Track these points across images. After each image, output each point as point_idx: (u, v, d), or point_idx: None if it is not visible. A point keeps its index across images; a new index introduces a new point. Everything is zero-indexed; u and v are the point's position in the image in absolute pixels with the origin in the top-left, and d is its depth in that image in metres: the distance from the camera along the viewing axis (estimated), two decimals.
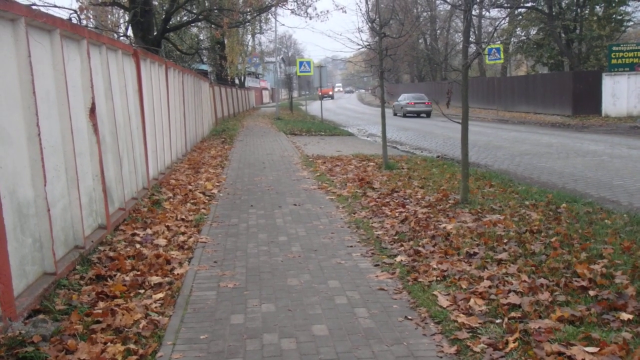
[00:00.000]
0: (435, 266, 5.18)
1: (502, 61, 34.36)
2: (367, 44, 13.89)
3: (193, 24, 25.91)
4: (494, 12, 41.64)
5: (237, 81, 45.77)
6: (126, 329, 3.93)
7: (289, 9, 22.47)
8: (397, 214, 7.35)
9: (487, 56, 30.51)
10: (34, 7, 5.38)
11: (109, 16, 19.93)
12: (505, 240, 5.88)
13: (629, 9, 33.82)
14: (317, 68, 29.69)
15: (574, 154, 14.21)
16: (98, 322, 3.99)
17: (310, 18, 22.65)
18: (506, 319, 3.97)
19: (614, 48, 27.57)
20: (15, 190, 4.24)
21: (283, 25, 49.80)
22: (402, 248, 5.91)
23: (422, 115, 34.35)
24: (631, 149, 15.07)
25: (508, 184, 9.36)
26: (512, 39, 40.18)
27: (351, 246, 6.13)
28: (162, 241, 6.23)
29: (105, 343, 3.67)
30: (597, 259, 5.13)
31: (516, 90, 34.91)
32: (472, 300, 4.31)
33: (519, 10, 35.01)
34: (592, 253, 5.33)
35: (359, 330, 3.98)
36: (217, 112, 27.90)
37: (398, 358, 3.56)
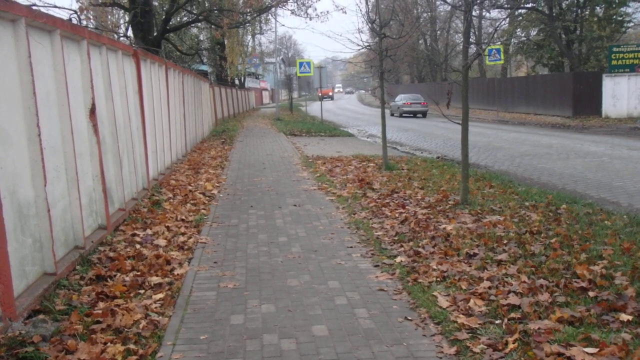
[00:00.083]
0: (435, 267, 5.18)
1: (502, 62, 34.41)
2: (367, 44, 13.90)
3: (193, 25, 25.94)
4: (494, 13, 41.63)
5: (237, 82, 45.78)
6: (126, 329, 3.93)
7: (289, 10, 22.48)
8: (397, 215, 7.36)
9: (487, 57, 30.57)
10: (34, 7, 5.38)
11: (109, 17, 19.95)
12: (505, 241, 5.88)
13: (629, 10, 33.86)
14: (317, 69, 29.70)
15: (574, 155, 14.21)
16: (98, 322, 4.00)
17: (311, 19, 22.67)
18: (506, 320, 3.97)
19: (614, 49, 27.57)
20: (16, 190, 4.24)
21: (283, 25, 50.06)
22: (402, 249, 5.91)
23: (418, 115, 34.91)
24: (631, 150, 15.07)
25: (508, 185, 9.36)
26: (512, 40, 40.19)
27: (351, 247, 6.13)
28: (162, 242, 6.23)
29: (105, 343, 3.68)
30: (597, 260, 5.13)
31: (516, 91, 34.93)
32: (471, 301, 4.32)
33: (519, 11, 35.02)
34: (592, 254, 5.34)
35: (358, 330, 3.98)
36: (217, 113, 27.90)
37: (398, 358, 3.56)
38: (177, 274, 5.19)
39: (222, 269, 5.42)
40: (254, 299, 4.63)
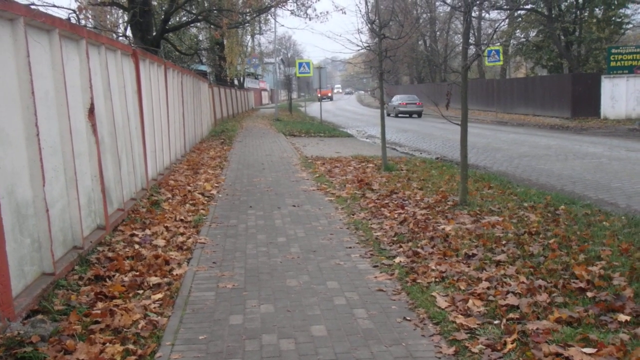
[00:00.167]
0: (434, 267, 5.18)
1: (501, 63, 34.45)
2: (367, 45, 13.91)
3: (192, 25, 25.94)
4: (494, 14, 41.69)
5: (236, 82, 45.77)
6: (125, 330, 3.93)
7: (288, 10, 22.49)
8: (396, 215, 7.36)
9: (486, 58, 30.60)
10: (32, 6, 5.38)
11: (108, 16, 19.94)
12: (503, 242, 5.88)
13: (628, 12, 33.92)
14: (316, 69, 29.70)
15: (573, 156, 14.22)
16: (97, 322, 3.99)
17: (310, 19, 22.71)
18: (504, 320, 3.97)
19: (613, 50, 27.61)
20: (14, 190, 4.24)
21: (282, 26, 50.13)
22: (401, 249, 5.91)
23: (413, 115, 35.67)
24: (629, 151, 15.09)
25: (507, 186, 9.37)
26: (511, 41, 40.25)
27: (350, 247, 6.13)
28: (161, 242, 6.23)
29: (104, 343, 3.67)
30: (595, 261, 5.14)
31: (515, 92, 34.96)
32: (470, 301, 4.32)
33: (519, 12, 35.07)
34: (590, 255, 5.34)
35: (357, 331, 3.99)
36: (216, 113, 27.89)
37: (397, 359, 3.56)
38: (176, 274, 5.18)
39: (221, 269, 5.42)
40: (253, 299, 4.63)
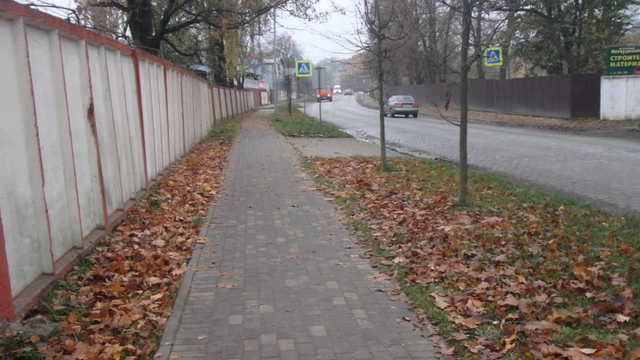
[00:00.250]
0: (433, 268, 5.18)
1: (500, 64, 34.44)
2: (366, 45, 13.91)
3: (192, 25, 25.95)
4: (493, 15, 41.72)
5: (235, 82, 45.78)
6: (124, 330, 3.93)
7: (288, 10, 22.52)
8: (395, 216, 7.36)
9: (486, 58, 30.59)
10: (32, 7, 5.38)
11: (108, 16, 19.95)
12: (503, 242, 5.88)
13: (627, 12, 33.94)
14: (315, 69, 29.68)
15: (572, 157, 14.23)
16: (96, 322, 3.99)
17: (309, 19, 22.71)
18: (503, 321, 3.97)
19: (613, 51, 27.62)
20: (14, 190, 4.24)
21: (282, 26, 50.15)
22: (400, 250, 5.91)
23: (409, 115, 36.57)
24: (629, 152, 15.11)
25: (506, 187, 9.37)
26: (511, 42, 40.28)
27: (349, 247, 6.13)
28: (160, 242, 6.23)
29: (103, 343, 3.67)
30: (595, 261, 5.14)
31: (515, 93, 34.98)
32: (469, 302, 4.32)
33: (518, 12, 35.09)
34: (589, 255, 5.34)
35: (357, 331, 3.99)
36: (216, 114, 27.89)
37: (396, 359, 3.57)
38: (176, 275, 5.18)
39: (220, 270, 5.42)
40: (253, 299, 4.63)
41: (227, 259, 5.80)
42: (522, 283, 4.62)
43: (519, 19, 36.90)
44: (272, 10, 23.55)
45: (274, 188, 10.03)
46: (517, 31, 38.62)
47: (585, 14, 32.92)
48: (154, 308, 4.36)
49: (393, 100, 37.74)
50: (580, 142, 17.95)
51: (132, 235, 6.46)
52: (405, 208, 7.79)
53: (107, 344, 3.66)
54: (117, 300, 4.44)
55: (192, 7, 21.78)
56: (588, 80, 28.15)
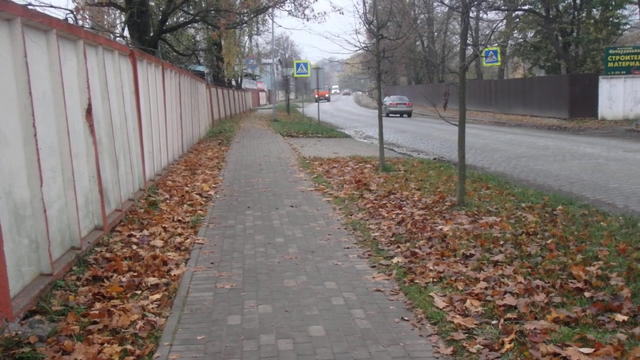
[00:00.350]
0: (431, 267, 5.19)
1: (499, 64, 34.44)
2: (365, 45, 13.92)
3: (190, 25, 25.93)
4: (492, 15, 41.75)
5: (233, 83, 45.76)
6: (123, 330, 3.92)
7: (286, 10, 22.46)
8: (393, 216, 7.36)
9: (484, 59, 30.59)
10: (30, 7, 5.38)
11: (105, 17, 19.93)
12: (501, 242, 5.89)
13: (625, 12, 33.99)
14: (314, 70, 29.72)
15: (570, 157, 14.25)
16: (95, 322, 3.99)
17: (308, 19, 22.73)
18: (502, 320, 3.98)
19: (611, 51, 27.66)
20: (12, 191, 4.23)
21: (280, 26, 50.14)
22: (399, 249, 5.91)
23: (404, 115, 37.62)
24: (627, 152, 15.13)
25: (504, 187, 9.38)
26: (509, 42, 40.32)
27: (348, 248, 6.13)
28: (158, 242, 6.22)
29: (102, 344, 3.67)
30: (593, 261, 5.15)
31: (513, 93, 35.02)
32: (468, 302, 4.32)
33: (516, 13, 35.12)
34: (587, 255, 5.35)
35: (355, 331, 3.99)
36: (214, 114, 27.88)
37: (394, 359, 3.57)
38: (174, 275, 5.18)
39: (219, 270, 5.42)
40: (251, 299, 4.63)
41: (225, 259, 5.80)
42: (521, 283, 4.63)
43: (517, 19, 36.95)
44: (270, 10, 23.54)
45: (272, 188, 10.03)
46: (515, 31, 38.67)
47: (583, 14, 32.97)
48: (152, 308, 4.36)
49: (388, 100, 38.34)
50: (578, 142, 17.98)
51: (130, 235, 6.45)
52: (403, 208, 7.79)
53: (105, 344, 3.66)
54: (115, 301, 4.44)
55: (190, 7, 21.76)
56: (586, 80, 28.19)
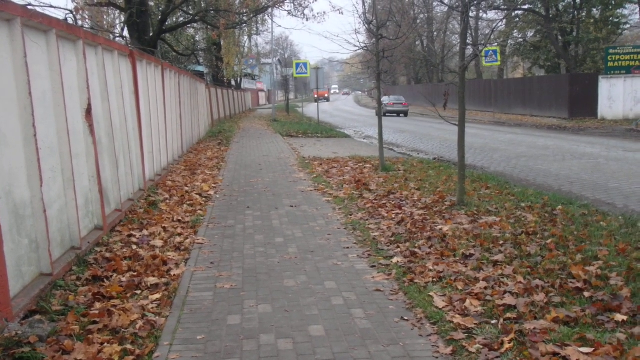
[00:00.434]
0: (431, 267, 5.19)
1: (499, 63, 34.47)
2: (364, 45, 13.91)
3: (189, 25, 25.92)
4: (491, 14, 41.77)
5: (233, 83, 45.75)
6: (123, 330, 3.93)
7: (285, 10, 22.48)
8: (393, 216, 7.37)
9: (484, 58, 30.60)
10: (29, 7, 5.38)
11: (105, 17, 19.93)
12: (501, 242, 5.89)
13: (625, 12, 34.00)
14: (313, 70, 29.71)
15: (570, 157, 14.25)
16: (95, 322, 3.99)
17: (307, 19, 22.78)
18: (502, 320, 3.98)
19: (611, 51, 27.67)
20: (12, 191, 4.23)
21: (280, 26, 50.22)
22: (399, 249, 5.92)
23: (400, 114, 38.34)
24: (627, 151, 15.13)
25: (504, 186, 9.38)
26: (509, 41, 40.33)
27: (348, 247, 6.14)
28: (158, 242, 6.22)
29: (102, 343, 3.67)
30: (593, 261, 5.15)
31: (513, 92, 35.02)
32: (468, 301, 4.33)
33: (516, 12, 35.13)
34: (587, 255, 5.35)
35: (355, 331, 3.99)
36: (214, 114, 27.88)
37: (394, 358, 3.57)
38: (174, 275, 5.18)
39: (218, 270, 5.42)
40: (251, 299, 4.63)
41: (225, 259, 5.80)
42: (520, 282, 4.63)
43: (517, 19, 36.96)
44: (269, 10, 23.55)
45: (272, 188, 10.03)
46: (515, 31, 38.68)
47: (583, 14, 32.98)
48: (152, 308, 4.36)
49: (385, 100, 38.82)
50: (578, 142, 17.98)
51: (130, 235, 6.45)
52: (403, 208, 7.80)
53: (105, 344, 3.66)
54: (115, 301, 4.44)
55: (190, 7, 21.76)
56: (586, 80, 28.19)
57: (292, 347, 3.74)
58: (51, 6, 11.53)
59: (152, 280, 4.97)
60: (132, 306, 4.30)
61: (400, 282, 4.96)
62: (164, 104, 11.42)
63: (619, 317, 3.93)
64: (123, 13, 17.57)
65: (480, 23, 46.13)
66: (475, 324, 3.98)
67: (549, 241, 5.79)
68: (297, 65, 30.38)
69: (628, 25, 36.31)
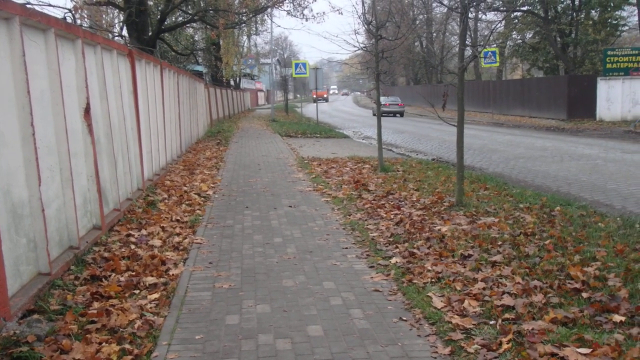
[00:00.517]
0: (430, 268, 5.19)
1: (497, 64, 34.52)
2: (363, 46, 13.91)
3: (188, 25, 25.91)
4: (490, 16, 41.77)
5: (232, 83, 45.71)
6: (121, 329, 3.92)
7: (284, 10, 22.48)
8: (392, 216, 7.37)
9: (482, 59, 30.64)
10: (28, 5, 5.37)
11: (104, 16, 19.92)
12: (499, 243, 5.90)
13: (624, 14, 34.03)
14: (312, 70, 29.71)
15: (568, 158, 14.27)
16: (93, 322, 3.99)
17: (307, 19, 22.77)
18: (500, 320, 3.98)
19: (609, 52, 27.69)
20: (10, 190, 4.23)
21: (279, 26, 50.17)
22: (397, 250, 5.92)
23: (396, 115, 39.10)
24: (625, 153, 15.15)
25: (503, 187, 9.39)
26: (507, 43, 40.35)
27: (346, 248, 6.13)
28: (157, 242, 6.22)
29: (100, 343, 3.67)
30: (591, 262, 5.16)
31: (511, 93, 35.05)
32: (466, 302, 4.33)
33: (515, 13, 35.16)
34: (585, 256, 5.36)
35: (353, 331, 3.99)
36: (212, 114, 27.86)
37: (393, 358, 3.57)
38: (172, 275, 5.18)
39: (217, 270, 5.42)
40: (249, 299, 4.63)
41: (224, 259, 5.80)
42: (519, 283, 4.64)
43: (516, 20, 36.99)
44: (269, 10, 23.55)
45: (271, 188, 10.02)
46: (514, 32, 38.70)
47: (582, 15, 33.01)
48: (151, 308, 4.36)
49: (382, 101, 38.47)
50: (576, 143, 18.00)
51: (128, 235, 6.45)
52: (402, 208, 7.80)
53: (104, 344, 3.66)
54: (114, 300, 4.44)
55: (189, 6, 21.74)
56: (584, 82, 28.22)
57: (291, 347, 3.74)
58: (50, 5, 11.51)
59: (150, 279, 4.97)
60: (131, 306, 4.29)
61: (398, 282, 4.96)
62: (163, 103, 11.41)
63: (617, 317, 3.93)
64: (122, 12, 17.55)
65: (479, 24, 46.10)
66: (473, 324, 3.98)
67: (547, 242, 5.80)
68: (296, 65, 30.38)
69: (626, 27, 36.32)
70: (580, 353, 3.43)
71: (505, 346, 3.60)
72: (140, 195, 8.49)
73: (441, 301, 4.40)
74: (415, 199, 8.40)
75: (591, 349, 3.47)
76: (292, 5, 21.89)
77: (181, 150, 14.73)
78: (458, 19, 9.55)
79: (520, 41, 39.60)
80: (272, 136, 22.14)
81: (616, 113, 26.70)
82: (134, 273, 5.13)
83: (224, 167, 12.91)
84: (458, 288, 4.68)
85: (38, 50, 4.97)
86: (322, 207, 8.32)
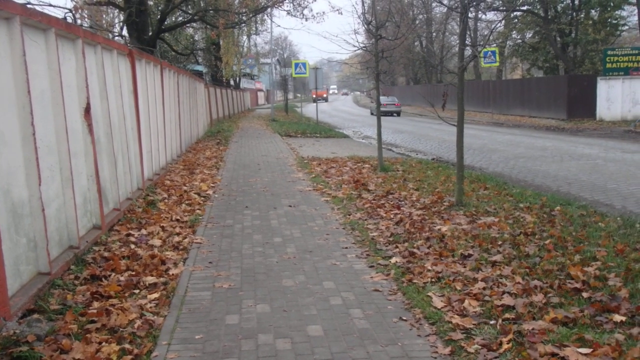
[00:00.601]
0: (429, 268, 5.19)
1: (497, 64, 34.53)
2: (363, 45, 13.91)
3: (188, 25, 25.91)
4: (490, 15, 41.77)
5: (232, 82, 45.71)
6: (121, 329, 3.92)
7: (284, 10, 22.48)
8: (392, 216, 7.37)
9: (482, 59, 30.63)
10: (29, 5, 5.37)
11: (104, 16, 19.92)
12: (499, 243, 5.90)
13: (624, 13, 34.02)
14: (312, 70, 29.70)
15: (568, 158, 14.27)
16: (93, 321, 3.99)
17: (306, 19, 22.77)
18: (500, 320, 3.98)
19: (609, 52, 27.69)
20: (10, 190, 4.23)
21: (279, 26, 50.21)
22: (397, 249, 5.92)
23: (393, 114, 39.80)
24: (625, 152, 15.15)
25: (502, 187, 9.39)
26: (507, 42, 40.34)
27: (346, 247, 6.13)
28: (157, 242, 6.22)
29: (100, 343, 3.67)
30: (591, 262, 5.16)
31: (511, 93, 35.04)
32: (466, 302, 4.33)
33: (515, 13, 35.15)
34: (585, 255, 5.36)
35: (353, 330, 3.99)
36: (212, 114, 27.86)
37: (393, 358, 3.57)
38: (172, 274, 5.18)
39: (217, 269, 5.42)
40: (249, 299, 4.63)
41: (223, 258, 5.80)
42: (519, 283, 4.64)
43: (516, 20, 36.98)
44: (269, 10, 23.54)
45: (270, 188, 10.02)
46: (514, 32, 38.70)
47: (582, 15, 32.99)
48: (150, 307, 4.35)
49: (380, 100, 38.64)
50: (576, 143, 18.00)
51: (128, 234, 6.45)
52: (402, 208, 7.80)
53: (104, 344, 3.66)
54: (113, 300, 4.44)
55: (189, 6, 21.74)
56: (584, 81, 28.21)
57: (291, 346, 3.74)
58: (50, 5, 11.50)
59: (150, 279, 4.97)
60: (130, 305, 4.29)
61: (398, 282, 4.96)
62: (163, 103, 11.41)
63: (618, 317, 3.93)
64: (122, 12, 17.55)
65: (479, 24, 46.09)
66: (473, 324, 3.98)
67: (547, 242, 5.80)
68: (296, 65, 30.37)
69: (626, 27, 36.32)
70: (580, 353, 3.43)
71: (505, 346, 3.60)
72: (140, 194, 8.49)
73: (441, 301, 4.40)
74: (415, 199, 8.39)
75: (592, 349, 3.47)
76: (292, 5, 21.90)
77: (181, 150, 14.72)
78: (458, 19, 9.56)
79: (520, 41, 39.60)
80: (272, 136, 22.14)
81: (616, 113, 26.70)
82: (133, 273, 5.13)
83: (224, 167, 12.91)
84: (458, 288, 4.68)
85: (38, 50, 4.97)
86: (322, 206, 8.32)
